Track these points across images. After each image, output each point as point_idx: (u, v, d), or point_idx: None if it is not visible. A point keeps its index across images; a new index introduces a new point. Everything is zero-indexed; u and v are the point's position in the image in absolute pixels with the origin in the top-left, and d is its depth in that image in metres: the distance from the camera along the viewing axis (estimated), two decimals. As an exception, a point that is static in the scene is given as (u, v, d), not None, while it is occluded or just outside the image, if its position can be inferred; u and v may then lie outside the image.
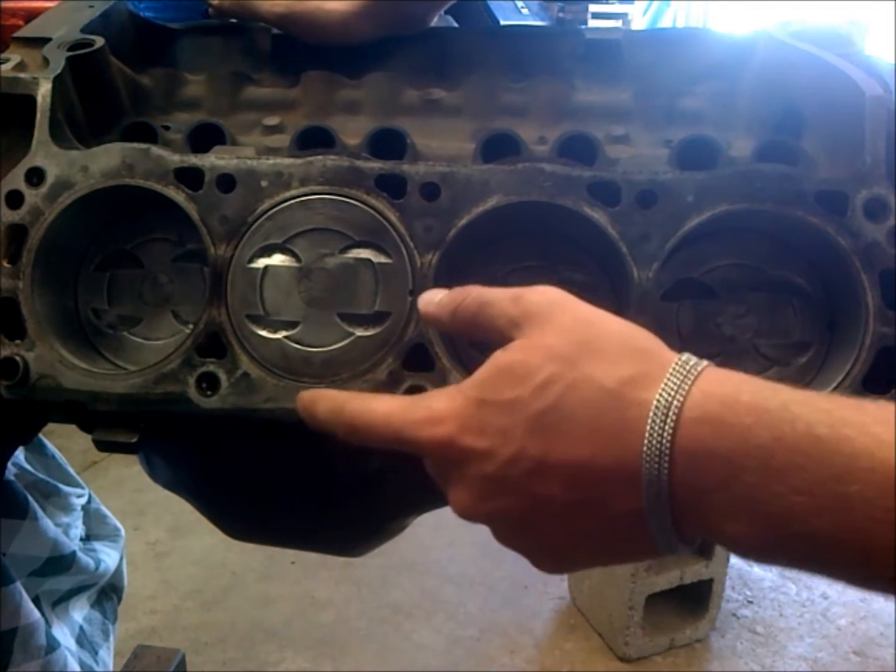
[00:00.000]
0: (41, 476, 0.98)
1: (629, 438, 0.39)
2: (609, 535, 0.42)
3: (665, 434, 0.38)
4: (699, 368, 0.40)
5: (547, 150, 0.64)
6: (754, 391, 0.38)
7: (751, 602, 2.20)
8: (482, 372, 0.45)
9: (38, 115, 0.61)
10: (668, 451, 0.38)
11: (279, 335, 0.57)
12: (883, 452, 0.34)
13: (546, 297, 0.46)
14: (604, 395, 0.40)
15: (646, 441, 0.39)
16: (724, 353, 0.58)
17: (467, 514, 0.45)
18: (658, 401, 0.39)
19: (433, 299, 0.51)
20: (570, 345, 0.42)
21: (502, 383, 0.43)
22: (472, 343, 0.60)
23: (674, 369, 0.40)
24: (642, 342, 0.43)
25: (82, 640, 1.04)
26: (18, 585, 0.83)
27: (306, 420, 0.52)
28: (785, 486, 0.36)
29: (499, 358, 0.44)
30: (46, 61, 0.65)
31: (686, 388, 0.39)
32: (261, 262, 0.57)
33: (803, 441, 0.36)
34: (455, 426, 0.44)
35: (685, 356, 0.41)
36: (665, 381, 0.39)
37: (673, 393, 0.39)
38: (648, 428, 0.39)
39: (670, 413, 0.38)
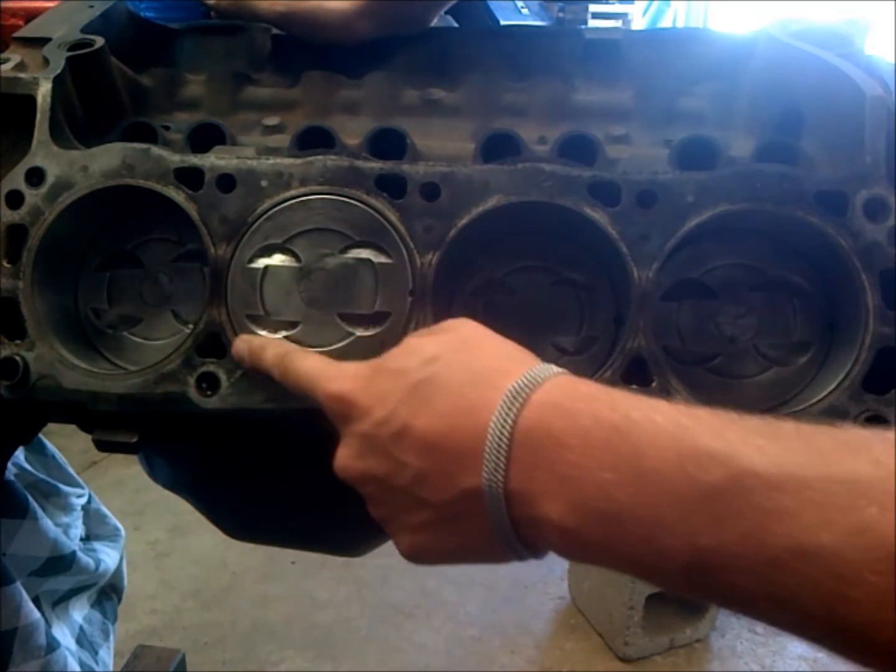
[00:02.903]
0: (41, 476, 0.98)
1: (482, 415, 0.42)
2: (453, 514, 0.44)
3: (511, 413, 0.41)
4: (559, 371, 0.43)
5: (547, 150, 0.64)
6: (596, 387, 0.42)
7: (751, 602, 2.20)
8: (393, 349, 0.49)
9: (38, 115, 0.61)
10: (510, 429, 0.41)
11: (279, 335, 0.57)
12: (680, 433, 0.37)
13: (459, 320, 0.50)
14: (473, 377, 0.44)
15: (493, 418, 0.41)
16: (724, 353, 0.58)
17: (343, 472, 0.48)
18: (513, 386, 0.42)
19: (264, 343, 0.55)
20: (463, 341, 0.47)
21: (399, 355, 0.48)
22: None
23: (537, 366, 0.43)
24: (527, 354, 0.46)
25: (82, 640, 1.04)
26: (18, 585, 0.83)
27: (250, 360, 0.55)
28: (597, 463, 0.38)
29: (408, 340, 0.49)
30: (46, 61, 0.65)
31: (541, 378, 0.42)
32: (261, 262, 0.57)
33: (619, 422, 0.39)
34: (349, 384, 0.48)
35: (554, 366, 0.44)
36: (525, 372, 0.43)
37: (528, 381, 0.42)
38: (498, 407, 0.41)
39: (520, 396, 0.41)
